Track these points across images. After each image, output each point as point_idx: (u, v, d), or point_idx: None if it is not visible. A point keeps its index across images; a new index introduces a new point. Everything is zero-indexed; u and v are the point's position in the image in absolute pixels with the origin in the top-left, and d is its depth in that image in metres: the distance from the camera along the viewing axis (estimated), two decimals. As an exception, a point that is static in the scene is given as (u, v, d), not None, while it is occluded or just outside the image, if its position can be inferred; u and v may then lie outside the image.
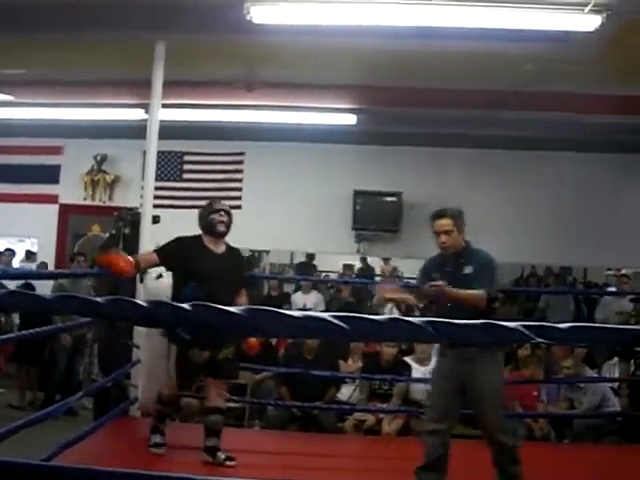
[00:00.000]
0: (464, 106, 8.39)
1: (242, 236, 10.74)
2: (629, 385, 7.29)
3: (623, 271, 12.24)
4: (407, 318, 1.61)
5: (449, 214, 4.36)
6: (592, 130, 9.20)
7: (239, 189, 11.00)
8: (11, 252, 11.00)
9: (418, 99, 8.29)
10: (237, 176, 11.03)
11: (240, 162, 11.05)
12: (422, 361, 7.11)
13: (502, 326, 1.61)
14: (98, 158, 11.54)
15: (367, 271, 12.59)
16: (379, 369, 6.90)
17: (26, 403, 8.30)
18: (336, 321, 1.55)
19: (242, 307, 1.63)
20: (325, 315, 1.59)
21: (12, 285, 6.72)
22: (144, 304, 1.70)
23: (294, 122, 9.42)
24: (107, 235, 6.20)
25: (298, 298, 10.62)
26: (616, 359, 7.94)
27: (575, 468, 5.00)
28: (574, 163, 10.42)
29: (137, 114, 8.60)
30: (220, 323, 1.67)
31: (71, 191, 11.64)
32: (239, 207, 10.91)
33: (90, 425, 5.16)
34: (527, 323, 1.61)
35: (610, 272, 12.64)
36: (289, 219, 10.60)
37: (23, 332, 5.68)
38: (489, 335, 1.63)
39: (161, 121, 6.25)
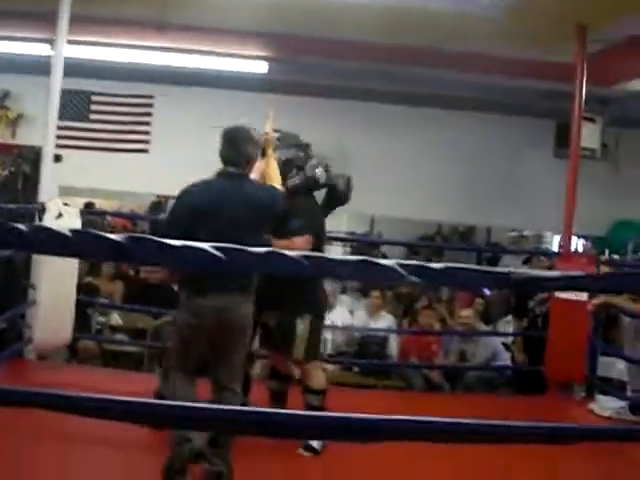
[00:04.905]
0: (377, 60, 8.41)
1: (148, 180, 10.74)
2: (523, 341, 7.56)
3: (525, 232, 12.66)
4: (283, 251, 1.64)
5: None
6: (501, 92, 9.37)
7: (147, 132, 10.82)
8: None
9: (330, 50, 8.27)
10: (145, 119, 10.83)
11: (149, 105, 10.84)
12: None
13: (378, 264, 1.64)
14: (0, 94, 11.14)
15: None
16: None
17: None
18: (214, 251, 1.56)
19: (124, 235, 1.62)
20: (204, 245, 1.60)
21: None
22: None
23: (205, 67, 9.25)
24: (6, 172, 5.99)
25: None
26: (510, 317, 8.22)
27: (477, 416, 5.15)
28: (482, 124, 10.57)
29: (43, 49, 8.30)
30: (102, 251, 1.66)
31: (-29, 127, 11.22)
32: (146, 151, 10.77)
33: (-18, 365, 5.05)
34: (403, 262, 1.66)
35: (513, 233, 13.04)
36: (197, 165, 10.44)
37: None
38: (365, 272, 1.66)
39: (67, 58, 6.03)
